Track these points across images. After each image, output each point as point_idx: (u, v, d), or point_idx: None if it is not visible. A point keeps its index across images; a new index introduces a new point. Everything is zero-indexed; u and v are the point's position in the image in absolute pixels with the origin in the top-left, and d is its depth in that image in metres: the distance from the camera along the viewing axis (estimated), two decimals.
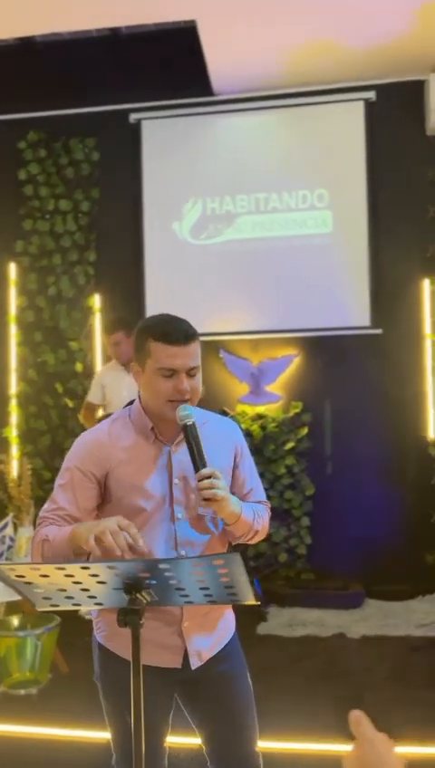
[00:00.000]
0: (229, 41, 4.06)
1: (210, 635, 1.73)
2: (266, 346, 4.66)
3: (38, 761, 2.63)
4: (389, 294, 4.56)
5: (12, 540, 3.50)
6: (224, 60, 4.28)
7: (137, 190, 4.82)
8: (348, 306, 4.59)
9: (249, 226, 4.74)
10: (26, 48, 4.30)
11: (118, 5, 3.76)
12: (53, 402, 4.87)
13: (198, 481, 1.57)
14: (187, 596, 1.49)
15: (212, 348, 4.71)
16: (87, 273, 4.86)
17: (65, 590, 1.49)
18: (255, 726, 1.82)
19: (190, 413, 1.61)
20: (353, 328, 4.59)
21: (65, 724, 2.80)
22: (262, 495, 1.88)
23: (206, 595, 1.49)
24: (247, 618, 3.74)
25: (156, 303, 4.75)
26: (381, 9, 3.77)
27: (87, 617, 3.84)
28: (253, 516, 1.75)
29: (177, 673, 1.68)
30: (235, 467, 1.78)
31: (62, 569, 1.38)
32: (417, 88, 4.50)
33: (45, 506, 1.66)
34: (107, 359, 4.80)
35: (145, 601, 1.48)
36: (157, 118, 4.82)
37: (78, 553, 1.55)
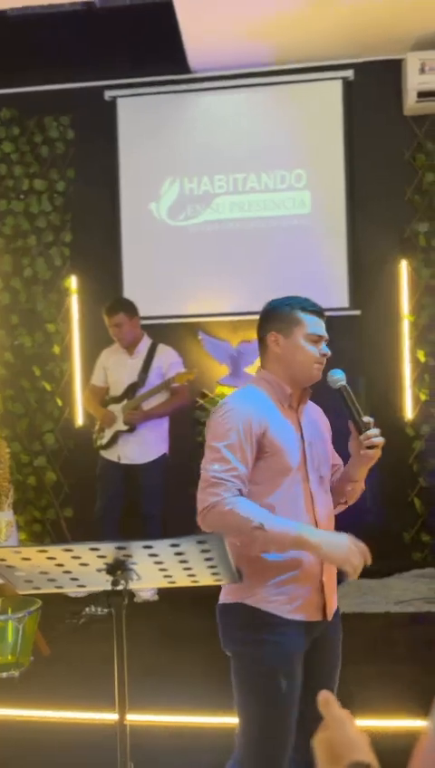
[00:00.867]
0: (206, 17, 3.99)
1: (334, 591, 1.87)
2: (246, 328, 4.64)
3: (20, 743, 2.63)
4: (367, 276, 4.57)
5: None
6: (200, 36, 4.21)
7: (113, 169, 4.75)
8: (327, 287, 4.59)
9: (227, 207, 4.71)
10: None
11: None
12: (31, 385, 4.82)
13: (365, 431, 1.83)
14: (170, 576, 1.50)
15: (191, 330, 4.69)
16: (63, 254, 4.79)
17: (47, 573, 1.48)
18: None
19: (343, 377, 1.87)
20: (332, 309, 4.54)
21: (47, 706, 2.80)
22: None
23: (189, 575, 1.49)
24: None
25: (133, 285, 4.71)
26: None
27: (72, 594, 3.81)
28: None
29: (316, 627, 1.79)
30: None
31: (44, 551, 1.37)
32: (395, 67, 4.48)
33: (216, 467, 1.70)
34: (84, 340, 4.76)
35: (127, 583, 1.48)
36: (133, 95, 4.74)
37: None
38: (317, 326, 1.87)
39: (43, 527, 4.78)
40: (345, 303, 4.58)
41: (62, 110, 4.76)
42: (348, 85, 4.59)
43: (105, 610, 3.90)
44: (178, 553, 1.36)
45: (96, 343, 4.45)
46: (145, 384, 4.06)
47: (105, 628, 3.64)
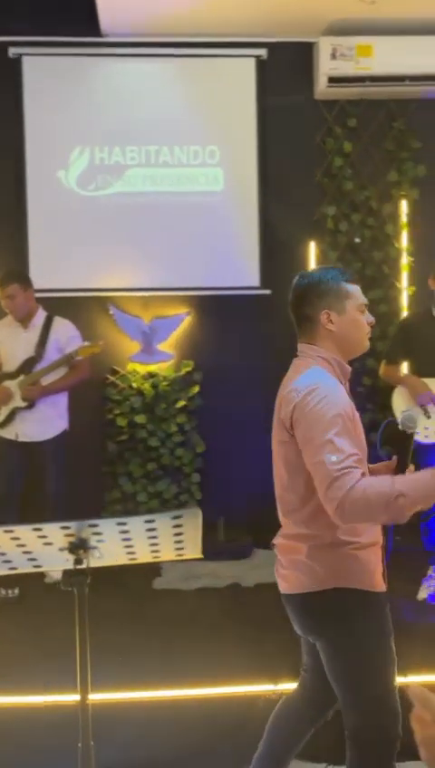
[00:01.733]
0: None
1: None
2: (158, 304, 4.60)
3: None
4: (277, 255, 4.64)
5: None
6: None
7: (18, 133, 4.50)
8: (239, 266, 4.64)
9: (139, 180, 4.61)
10: None
11: None
12: None
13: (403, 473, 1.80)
14: (133, 553, 1.48)
15: (101, 304, 4.58)
16: None
17: (4, 554, 1.42)
18: None
19: (416, 423, 1.86)
20: (244, 288, 4.65)
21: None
22: None
23: (153, 551, 1.48)
24: (142, 573, 3.77)
25: (40, 256, 4.52)
26: None
27: (48, 580, 3.71)
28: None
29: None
30: None
31: (10, 531, 1.31)
32: (308, 50, 4.55)
33: (334, 459, 1.62)
34: None
35: (89, 561, 1.45)
36: (40, 54, 4.50)
37: None
38: (362, 295, 1.89)
39: None
40: (256, 283, 4.65)
41: None
42: (261, 64, 4.60)
43: (15, 592, 3.78)
44: (151, 530, 1.35)
45: None
46: (43, 358, 3.91)
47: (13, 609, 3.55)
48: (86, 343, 3.90)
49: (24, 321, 3.95)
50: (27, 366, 3.92)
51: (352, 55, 4.34)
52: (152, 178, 4.62)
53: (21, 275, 3.97)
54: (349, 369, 1.88)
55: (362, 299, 1.88)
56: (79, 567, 1.40)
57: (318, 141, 4.62)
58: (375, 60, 4.37)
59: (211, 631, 3.11)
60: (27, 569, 1.47)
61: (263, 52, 4.60)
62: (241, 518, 4.51)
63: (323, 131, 4.63)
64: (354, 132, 4.62)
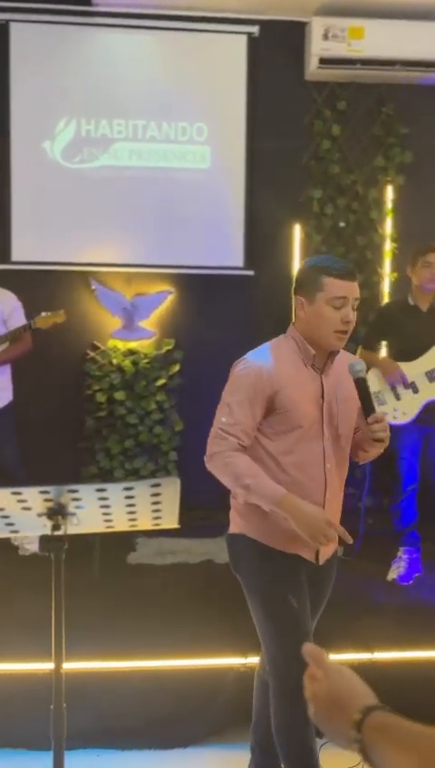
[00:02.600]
0: None
1: (332, 545, 2.02)
2: (141, 280, 4.58)
3: None
4: (262, 236, 4.64)
5: None
6: None
7: (4, 101, 4.42)
8: (223, 246, 4.63)
9: (126, 154, 4.56)
10: None
11: None
12: None
13: (371, 424, 1.89)
14: (111, 520, 1.49)
15: (83, 278, 4.54)
16: None
17: None
18: None
19: (363, 367, 1.92)
20: (227, 268, 4.64)
21: None
22: None
23: (131, 519, 1.49)
24: (116, 548, 3.79)
25: (24, 228, 4.46)
26: None
27: (23, 553, 3.69)
28: None
29: (308, 565, 1.99)
30: None
31: None
32: (299, 29, 4.52)
33: (223, 420, 1.91)
34: None
35: (67, 528, 1.46)
36: (28, 21, 4.40)
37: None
38: (343, 289, 1.90)
39: None
40: (240, 263, 4.64)
41: None
42: (253, 42, 4.56)
43: None
44: (129, 497, 1.36)
45: None
46: None
47: None
48: (47, 313, 3.78)
49: None
50: None
51: (345, 37, 4.32)
52: (139, 153, 4.57)
53: None
54: (312, 352, 1.95)
55: (336, 293, 1.90)
56: (57, 533, 1.40)
57: (307, 123, 4.60)
58: (367, 42, 4.34)
59: (183, 605, 3.14)
60: (4, 533, 1.48)
61: (255, 29, 4.55)
62: (216, 497, 4.54)
63: (312, 113, 4.61)
64: (343, 115, 4.61)
